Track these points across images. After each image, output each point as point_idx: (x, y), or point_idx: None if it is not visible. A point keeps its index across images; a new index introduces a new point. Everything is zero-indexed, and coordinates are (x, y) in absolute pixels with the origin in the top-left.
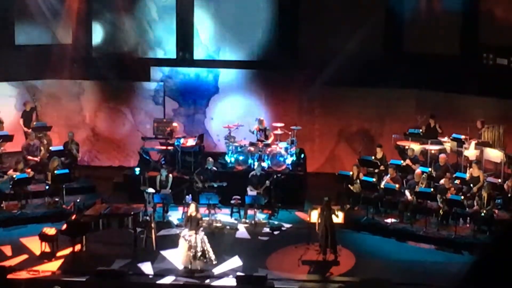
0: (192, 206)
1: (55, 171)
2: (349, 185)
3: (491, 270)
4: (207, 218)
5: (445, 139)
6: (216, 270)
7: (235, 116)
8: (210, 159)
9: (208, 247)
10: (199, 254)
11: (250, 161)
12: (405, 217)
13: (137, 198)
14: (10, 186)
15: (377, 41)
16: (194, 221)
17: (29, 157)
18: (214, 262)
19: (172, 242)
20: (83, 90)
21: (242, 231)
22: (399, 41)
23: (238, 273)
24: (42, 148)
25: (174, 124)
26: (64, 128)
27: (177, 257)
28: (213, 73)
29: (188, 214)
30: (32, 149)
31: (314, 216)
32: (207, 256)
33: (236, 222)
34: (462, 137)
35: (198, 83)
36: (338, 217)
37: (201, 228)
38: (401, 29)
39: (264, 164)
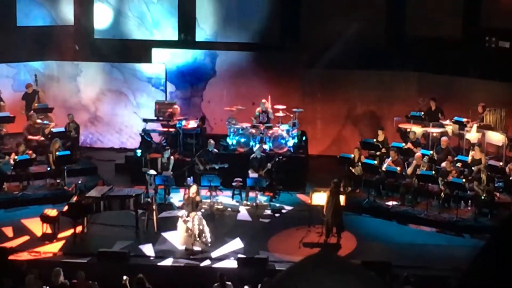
0: (194, 188)
1: (57, 153)
2: (351, 168)
3: (499, 256)
4: (208, 200)
5: (447, 122)
6: (217, 252)
7: (234, 98)
8: (211, 141)
9: (206, 229)
10: (196, 235)
11: (251, 143)
12: (407, 200)
13: (138, 180)
14: (12, 167)
15: (379, 23)
16: (194, 203)
17: (30, 137)
18: (209, 245)
19: (173, 224)
20: (84, 72)
21: (243, 213)
22: (401, 24)
23: (239, 255)
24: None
25: (175, 106)
26: (65, 110)
27: (177, 238)
28: (210, 56)
29: (188, 195)
30: (34, 130)
31: (316, 198)
32: (203, 238)
33: (237, 204)
34: (464, 120)
35: (195, 66)
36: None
37: (201, 210)
38: (403, 11)
39: (266, 146)
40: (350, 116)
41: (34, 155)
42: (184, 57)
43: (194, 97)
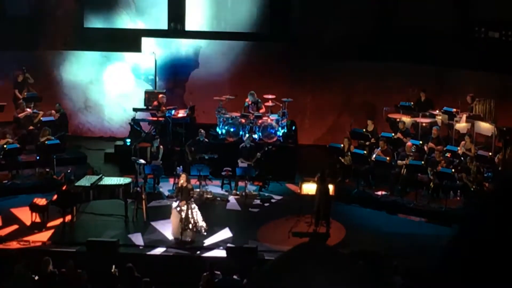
0: (183, 177)
1: (46, 142)
2: (340, 158)
3: (473, 246)
4: (198, 190)
5: (436, 112)
6: (207, 242)
7: (220, 89)
8: (202, 130)
9: (199, 217)
10: (190, 225)
11: (241, 132)
12: (396, 189)
13: (128, 169)
14: (1, 156)
15: (370, 14)
16: (185, 191)
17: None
18: (205, 232)
19: (163, 213)
20: (74, 60)
21: (232, 203)
22: (392, 15)
23: (229, 245)
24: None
25: (161, 95)
26: (54, 99)
27: (168, 228)
28: (194, 47)
29: (179, 185)
30: (24, 120)
31: (305, 188)
32: (198, 226)
33: (226, 193)
34: (453, 110)
35: (178, 57)
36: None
37: (192, 199)
38: (394, 3)
39: (255, 136)
40: (341, 106)
41: (18, 145)
42: (167, 48)
43: (176, 88)
